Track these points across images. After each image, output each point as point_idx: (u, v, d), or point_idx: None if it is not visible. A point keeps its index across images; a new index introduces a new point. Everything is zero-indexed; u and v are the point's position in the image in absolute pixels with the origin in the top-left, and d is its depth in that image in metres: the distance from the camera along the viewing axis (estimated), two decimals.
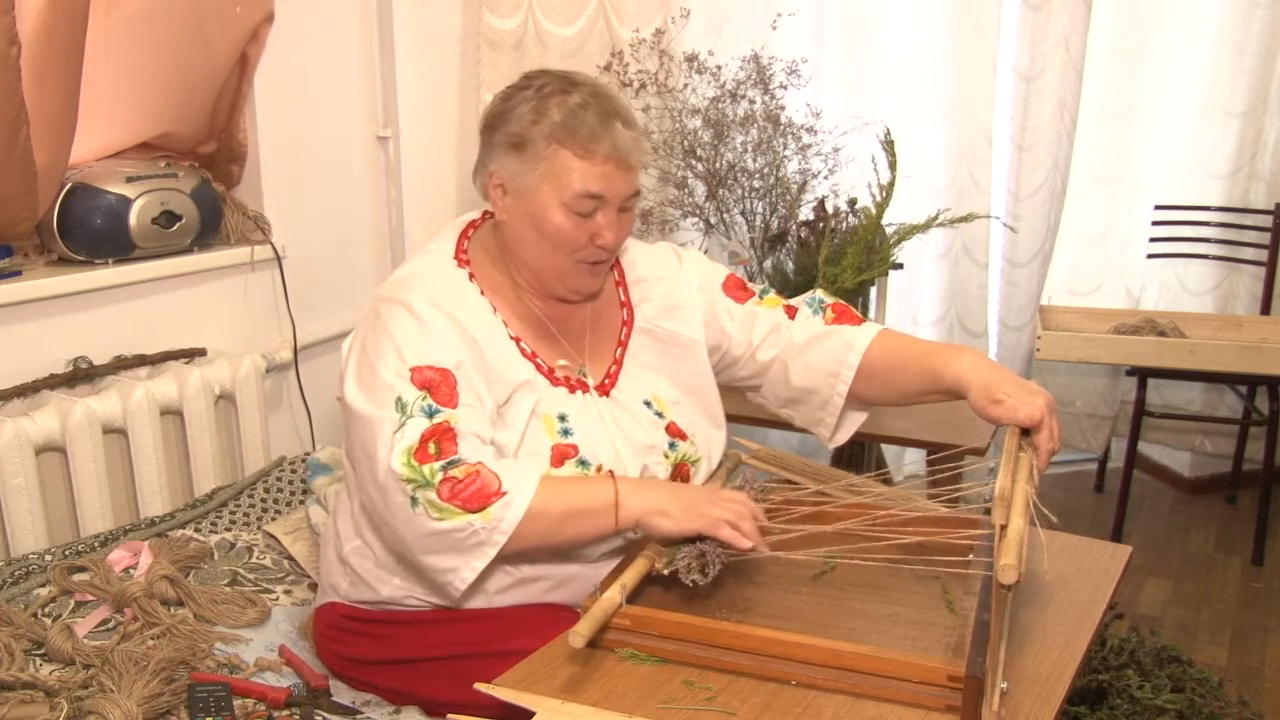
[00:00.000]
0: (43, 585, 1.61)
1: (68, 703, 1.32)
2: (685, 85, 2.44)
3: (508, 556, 1.30)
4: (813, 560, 1.35)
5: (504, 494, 1.25)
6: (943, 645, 1.19)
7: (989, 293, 3.04)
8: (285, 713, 1.38)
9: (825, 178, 2.43)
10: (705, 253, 2.26)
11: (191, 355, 2.10)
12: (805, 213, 2.42)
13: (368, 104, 2.51)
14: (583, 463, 1.40)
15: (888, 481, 1.91)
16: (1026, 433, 1.31)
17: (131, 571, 1.66)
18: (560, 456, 1.39)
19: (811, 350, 1.54)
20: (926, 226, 2.24)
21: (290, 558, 1.81)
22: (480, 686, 1.13)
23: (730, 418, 1.63)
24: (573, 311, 1.51)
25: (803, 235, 2.39)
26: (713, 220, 2.44)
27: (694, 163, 2.39)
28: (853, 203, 2.39)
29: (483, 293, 1.43)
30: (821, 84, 2.69)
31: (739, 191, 2.41)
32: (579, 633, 1.12)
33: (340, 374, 1.39)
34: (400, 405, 1.28)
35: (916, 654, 1.12)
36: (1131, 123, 3.07)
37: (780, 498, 1.45)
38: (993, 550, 1.08)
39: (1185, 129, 3.09)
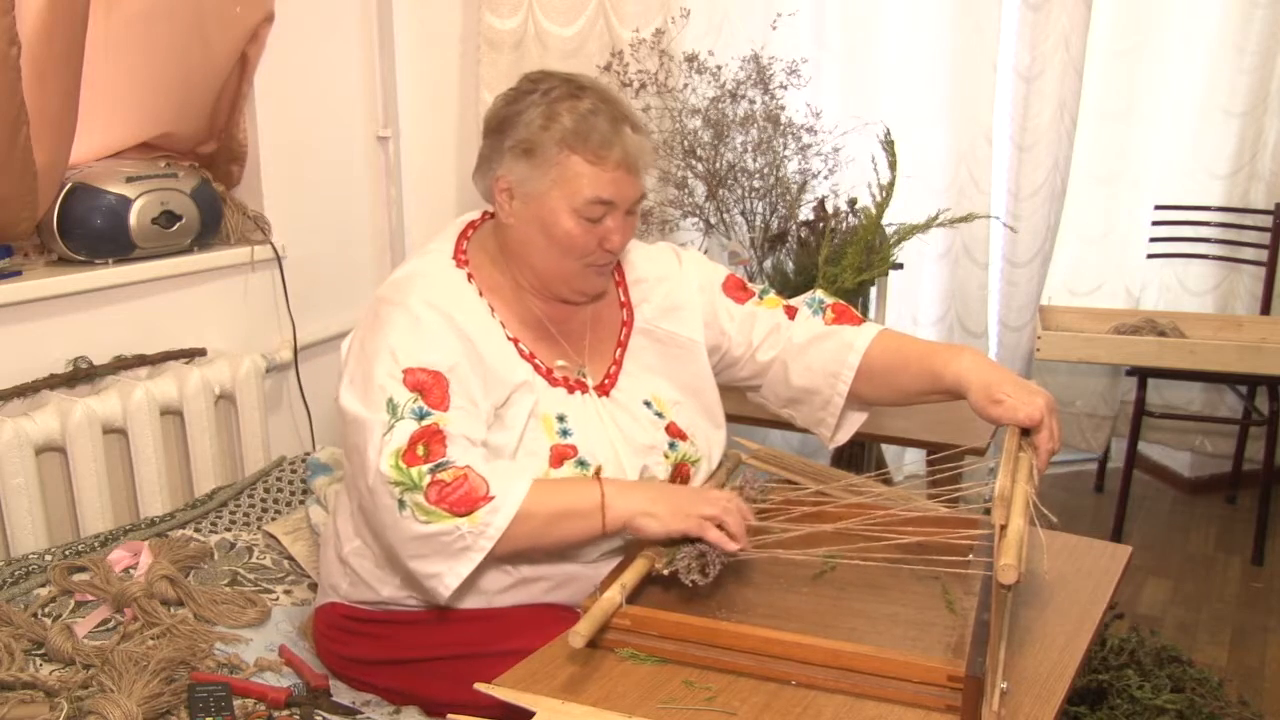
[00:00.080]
0: (43, 585, 1.61)
1: (68, 703, 1.32)
2: (685, 85, 2.44)
3: (497, 558, 1.30)
4: (813, 560, 1.35)
5: (491, 499, 1.25)
6: (943, 645, 1.19)
7: (989, 293, 3.04)
8: (285, 713, 1.38)
9: (825, 178, 2.43)
10: (705, 253, 2.26)
11: (191, 355, 2.10)
12: (805, 213, 2.42)
13: (368, 104, 2.51)
14: (581, 463, 1.39)
15: (888, 481, 1.91)
16: (1026, 433, 1.31)
17: (131, 571, 1.66)
18: (559, 457, 1.39)
19: (811, 350, 1.54)
20: (926, 226, 2.24)
21: (290, 558, 1.81)
22: (480, 686, 1.13)
23: (730, 418, 1.63)
24: (573, 312, 1.51)
25: (803, 235, 2.39)
26: (713, 220, 2.44)
27: (694, 163, 2.39)
28: (853, 203, 2.39)
29: (481, 293, 1.43)
30: (821, 84, 2.69)
31: (739, 191, 2.41)
32: (579, 633, 1.12)
33: (340, 374, 1.40)
34: (391, 407, 1.28)
35: (916, 654, 1.12)
36: (1131, 123, 3.07)
37: (780, 498, 1.45)
38: (993, 550, 1.08)
39: (1185, 129, 3.09)
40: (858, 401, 1.55)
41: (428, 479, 1.25)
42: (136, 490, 1.94)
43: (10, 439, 1.72)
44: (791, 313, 1.58)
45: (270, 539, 1.84)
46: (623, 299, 1.57)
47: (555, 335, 1.49)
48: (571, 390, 1.45)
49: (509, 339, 1.42)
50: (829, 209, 2.39)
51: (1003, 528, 1.08)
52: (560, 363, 1.47)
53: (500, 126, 1.41)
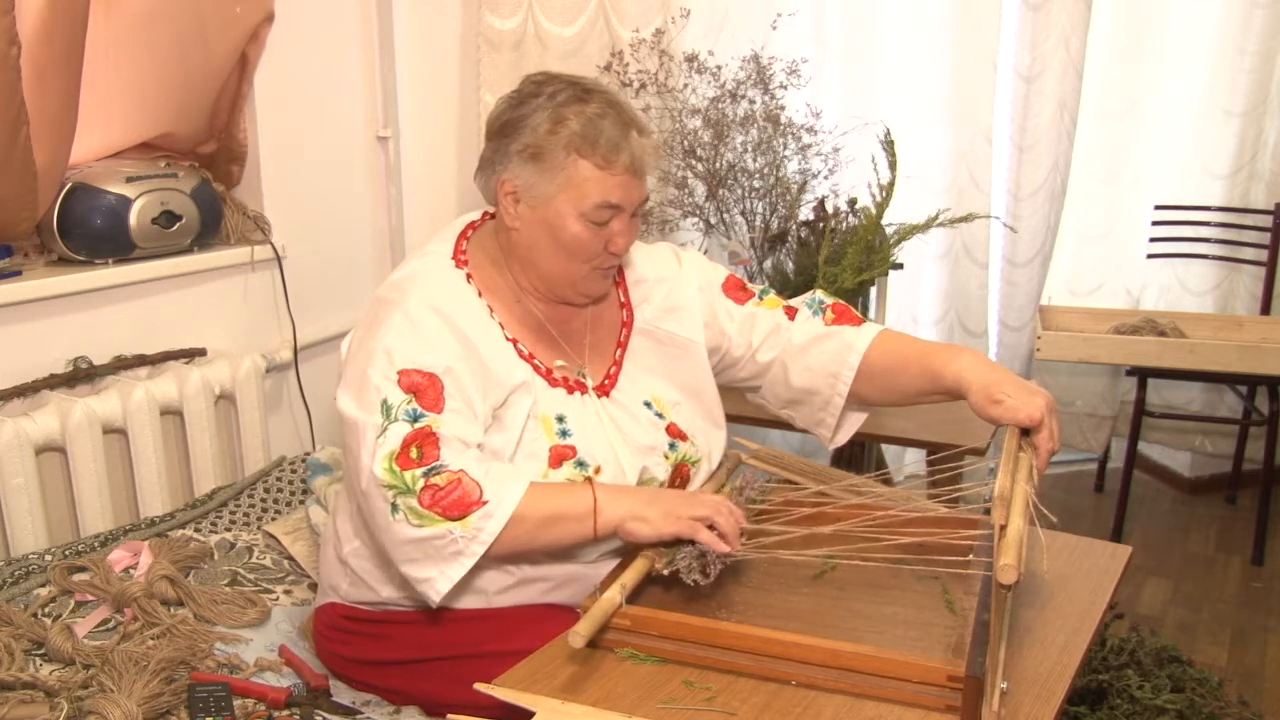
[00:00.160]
0: (43, 585, 1.61)
1: (68, 703, 1.32)
2: (685, 85, 2.44)
3: (490, 561, 1.30)
4: (813, 560, 1.35)
5: (485, 503, 1.25)
6: (943, 645, 1.19)
7: (989, 293, 3.04)
8: (285, 713, 1.38)
9: (825, 178, 2.43)
10: (705, 253, 2.26)
11: (191, 355, 2.10)
12: (805, 213, 2.42)
13: (368, 104, 2.51)
14: (580, 464, 1.39)
15: (888, 481, 1.91)
16: (1026, 433, 1.31)
17: (131, 571, 1.66)
18: (558, 458, 1.39)
19: (811, 351, 1.54)
20: (926, 226, 2.24)
21: (290, 558, 1.81)
22: (480, 686, 1.13)
23: (730, 418, 1.63)
24: (573, 313, 1.51)
25: (803, 235, 2.39)
26: (713, 220, 2.44)
27: (694, 163, 2.39)
28: (853, 203, 2.39)
29: (480, 294, 1.43)
30: (821, 84, 2.69)
31: (739, 191, 2.41)
32: (579, 633, 1.12)
33: (339, 374, 1.40)
34: (386, 408, 1.28)
35: (916, 654, 1.12)
36: (1131, 123, 3.07)
37: (780, 498, 1.45)
38: (993, 550, 1.08)
39: (1185, 129, 3.09)
40: (858, 402, 1.55)
41: (421, 483, 1.25)
42: (136, 490, 1.94)
43: (10, 439, 1.72)
44: (791, 313, 1.57)
45: (270, 539, 1.84)
46: (623, 299, 1.57)
47: (555, 336, 1.49)
48: (571, 391, 1.45)
49: (508, 339, 1.42)
50: (829, 209, 2.39)
51: (1002, 528, 1.08)
52: (560, 363, 1.46)
53: (504, 130, 1.41)
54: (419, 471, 1.25)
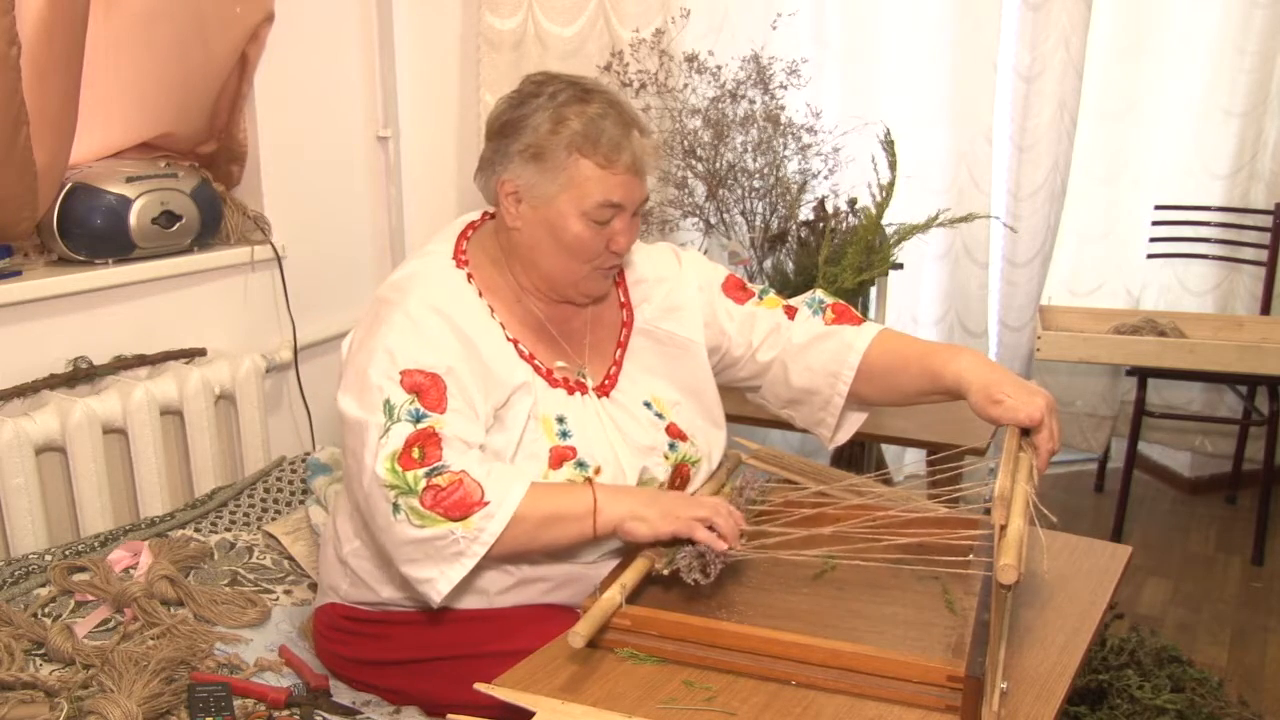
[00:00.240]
0: (43, 585, 1.61)
1: (68, 703, 1.32)
2: (685, 85, 2.44)
3: (490, 561, 1.30)
4: (813, 560, 1.35)
5: (486, 503, 1.25)
6: (943, 645, 1.19)
7: (989, 293, 3.04)
8: (285, 713, 1.38)
9: (825, 178, 2.43)
10: (705, 253, 2.26)
11: (191, 355, 2.10)
12: (805, 213, 2.42)
13: (368, 104, 2.51)
14: (581, 464, 1.39)
15: (888, 481, 1.91)
16: (1026, 433, 1.31)
17: (131, 571, 1.66)
18: (558, 458, 1.39)
19: (811, 351, 1.54)
20: (926, 226, 2.24)
21: (290, 558, 1.81)
22: (480, 686, 1.13)
23: (730, 418, 1.63)
24: (573, 313, 1.51)
25: (803, 235, 2.39)
26: (713, 220, 2.44)
27: (694, 163, 2.39)
28: (853, 203, 2.39)
29: (481, 294, 1.43)
30: (821, 84, 2.69)
31: (739, 191, 2.41)
32: (579, 633, 1.12)
33: (340, 374, 1.39)
34: (388, 408, 1.28)
35: (916, 654, 1.12)
36: (1131, 123, 3.07)
37: (780, 498, 1.45)
38: (993, 550, 1.08)
39: (1185, 129, 3.09)
40: (857, 402, 1.55)
41: (423, 483, 1.25)
42: (136, 490, 1.94)
43: (10, 439, 1.72)
44: (791, 313, 1.57)
45: (270, 539, 1.84)
46: (623, 300, 1.57)
47: (555, 336, 1.49)
48: (571, 391, 1.45)
49: (509, 339, 1.42)
50: (829, 209, 2.39)
51: (1003, 528, 1.08)
52: (560, 364, 1.46)
53: (505, 130, 1.41)
54: (421, 472, 1.25)
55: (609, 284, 1.50)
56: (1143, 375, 2.86)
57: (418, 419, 1.28)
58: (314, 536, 1.83)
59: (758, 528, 1.36)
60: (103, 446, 1.86)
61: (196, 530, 1.84)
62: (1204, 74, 3.02)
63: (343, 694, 1.46)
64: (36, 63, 1.67)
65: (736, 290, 1.60)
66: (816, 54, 2.69)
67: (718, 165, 2.39)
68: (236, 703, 1.37)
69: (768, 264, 2.42)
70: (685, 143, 2.38)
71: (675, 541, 1.30)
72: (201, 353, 2.12)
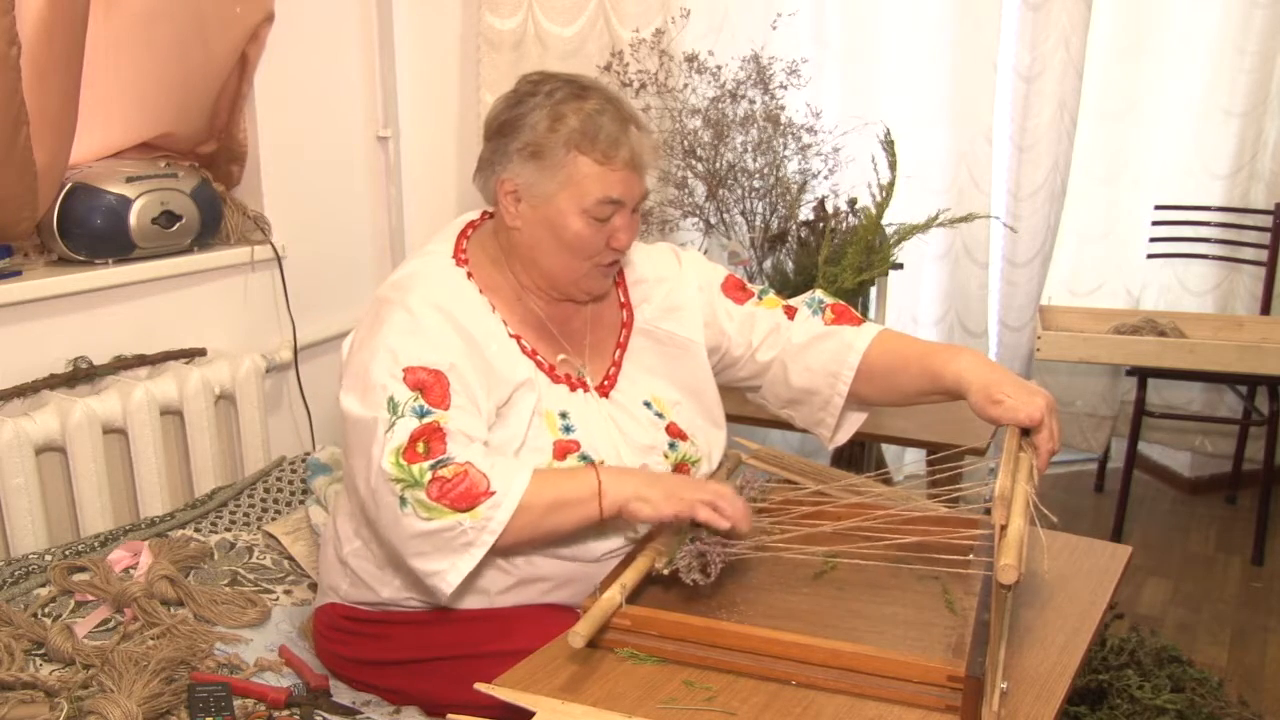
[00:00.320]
0: (43, 585, 1.61)
1: (68, 703, 1.32)
2: (685, 85, 2.44)
3: (498, 552, 1.30)
4: (813, 560, 1.35)
5: (493, 493, 1.25)
6: (943, 645, 1.19)
7: (989, 293, 3.04)
8: (285, 713, 1.38)
9: (825, 178, 2.43)
10: (705, 253, 2.26)
11: (191, 355, 2.10)
12: (805, 213, 2.42)
13: (368, 104, 2.51)
14: (584, 458, 1.40)
15: (888, 481, 1.91)
16: (1026, 433, 1.31)
17: (131, 571, 1.66)
18: (562, 451, 1.39)
19: (811, 351, 1.54)
20: (926, 226, 2.24)
21: (290, 558, 1.81)
22: (480, 686, 1.13)
23: (730, 418, 1.63)
24: (574, 312, 1.51)
25: (803, 235, 2.39)
26: (713, 220, 2.44)
27: (694, 163, 2.39)
28: (853, 203, 2.39)
29: (481, 291, 1.43)
30: (821, 84, 2.69)
31: (739, 191, 2.41)
32: (579, 633, 1.12)
33: (340, 374, 1.39)
34: (392, 405, 1.28)
35: (916, 654, 1.12)
36: (1131, 123, 3.07)
37: (780, 498, 1.45)
38: (993, 550, 1.08)
39: (1185, 129, 3.09)
40: (857, 402, 1.55)
41: (429, 476, 1.25)
42: (136, 490, 1.94)
43: (10, 439, 1.72)
44: (791, 313, 1.58)
45: (270, 539, 1.84)
46: (623, 299, 1.57)
47: (556, 335, 1.49)
48: (574, 388, 1.45)
49: (510, 336, 1.43)
50: (829, 209, 2.39)
51: (1003, 528, 1.08)
52: (561, 357, 1.47)
53: (503, 129, 1.41)
54: (426, 465, 1.25)
55: (610, 282, 1.51)
56: (1143, 375, 2.86)
57: (422, 414, 1.28)
58: (314, 536, 1.83)
59: (757, 526, 1.36)
60: (103, 446, 1.86)
61: (196, 530, 1.84)
62: (1204, 74, 3.02)
63: (343, 694, 1.46)
64: (36, 63, 1.67)
65: (736, 290, 1.60)
66: (816, 54, 2.69)
67: (718, 165, 2.39)
68: (236, 703, 1.37)
69: (768, 264, 2.42)
70: (685, 143, 2.38)
71: (684, 528, 1.30)
72: (201, 353, 2.12)
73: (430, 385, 1.30)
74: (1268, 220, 3.01)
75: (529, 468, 1.31)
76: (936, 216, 2.24)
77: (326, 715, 1.38)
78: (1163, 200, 3.11)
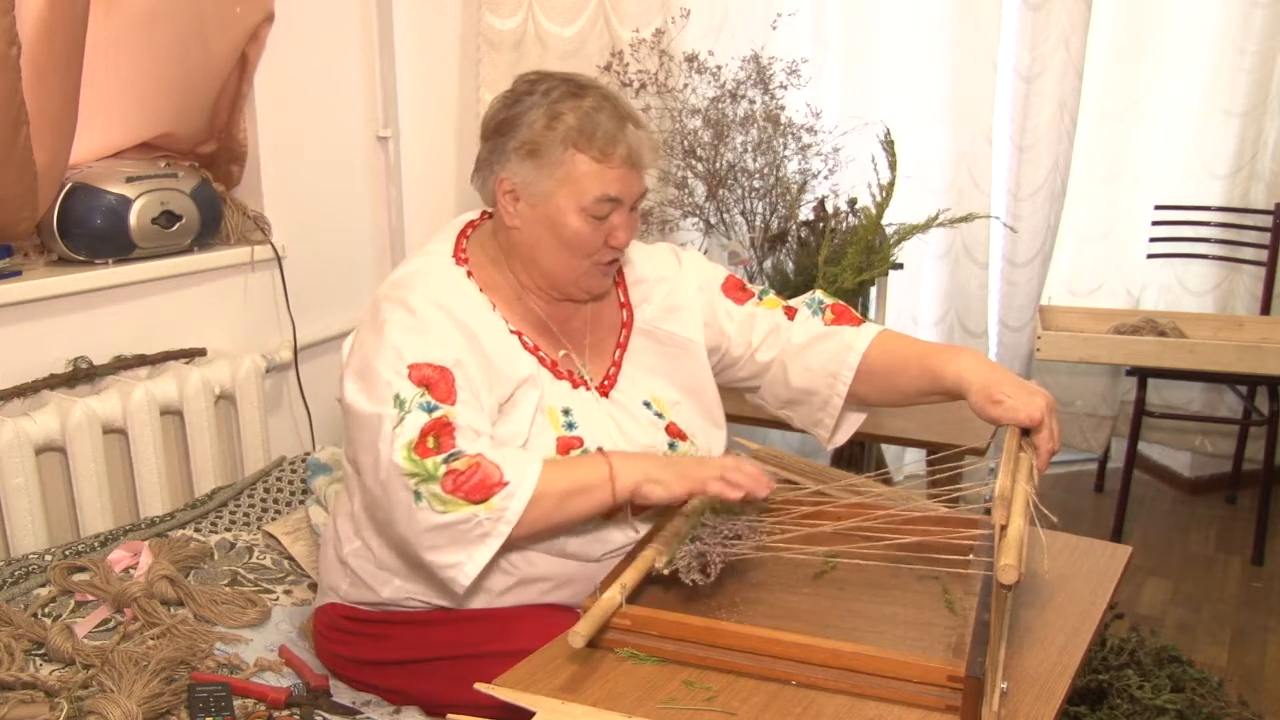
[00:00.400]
0: (43, 585, 1.61)
1: (68, 703, 1.32)
2: (685, 85, 2.44)
3: (514, 542, 1.30)
4: (813, 560, 1.35)
5: (506, 483, 1.26)
6: (943, 645, 1.19)
7: (989, 293, 3.04)
8: (285, 713, 1.38)
9: (825, 178, 2.43)
10: (705, 253, 2.26)
11: (191, 355, 2.10)
12: (805, 213, 2.42)
13: (368, 104, 2.51)
14: (586, 454, 1.40)
15: (888, 481, 1.91)
16: (1026, 433, 1.31)
17: (131, 571, 1.66)
18: (565, 447, 1.39)
19: (811, 351, 1.54)
20: (926, 226, 2.24)
21: (290, 558, 1.81)
22: (480, 686, 1.13)
23: (730, 418, 1.63)
24: (574, 311, 1.51)
25: (803, 235, 2.39)
26: (713, 220, 2.44)
27: (694, 163, 2.39)
28: (853, 203, 2.39)
29: (481, 290, 1.43)
30: (821, 84, 2.69)
31: (739, 191, 2.41)
32: (579, 633, 1.12)
33: (341, 374, 1.39)
34: (399, 402, 1.28)
35: (916, 654, 1.12)
36: (1131, 123, 3.07)
37: (780, 498, 1.45)
38: (993, 550, 1.08)
39: (1185, 129, 3.09)
40: (857, 402, 1.55)
41: (443, 469, 1.25)
42: (136, 490, 1.94)
43: (10, 439, 1.72)
44: (791, 313, 1.58)
45: (270, 539, 1.84)
46: (623, 299, 1.57)
47: (556, 334, 1.49)
48: (576, 386, 1.46)
49: (512, 332, 1.43)
50: (829, 209, 2.39)
51: (1003, 528, 1.08)
52: (563, 353, 1.47)
53: (500, 129, 1.41)
54: (439, 458, 1.25)
55: (609, 281, 1.51)
56: (1143, 375, 2.86)
57: (430, 410, 1.28)
58: (314, 536, 1.83)
59: (758, 524, 1.36)
60: (103, 446, 1.86)
61: (196, 530, 1.84)
62: (1204, 74, 3.02)
63: (343, 694, 1.46)
64: (36, 63, 1.67)
65: (736, 290, 1.60)
66: (816, 54, 2.69)
67: (718, 165, 2.39)
68: (236, 703, 1.37)
69: (768, 264, 2.42)
70: (685, 143, 2.38)
71: (684, 529, 1.30)
72: (201, 353, 2.12)
73: (436, 381, 1.30)
74: (1268, 220, 3.01)
75: (539, 458, 1.31)
76: (936, 216, 2.24)
77: (326, 715, 1.38)
78: (1163, 200, 3.11)
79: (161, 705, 1.33)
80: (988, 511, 1.17)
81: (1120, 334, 2.78)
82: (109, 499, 1.88)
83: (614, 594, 1.20)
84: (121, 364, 1.97)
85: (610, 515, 1.39)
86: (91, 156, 2.01)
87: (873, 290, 2.38)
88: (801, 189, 2.42)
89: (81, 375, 1.91)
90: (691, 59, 2.41)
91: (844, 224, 2.35)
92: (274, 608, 1.65)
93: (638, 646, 1.19)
